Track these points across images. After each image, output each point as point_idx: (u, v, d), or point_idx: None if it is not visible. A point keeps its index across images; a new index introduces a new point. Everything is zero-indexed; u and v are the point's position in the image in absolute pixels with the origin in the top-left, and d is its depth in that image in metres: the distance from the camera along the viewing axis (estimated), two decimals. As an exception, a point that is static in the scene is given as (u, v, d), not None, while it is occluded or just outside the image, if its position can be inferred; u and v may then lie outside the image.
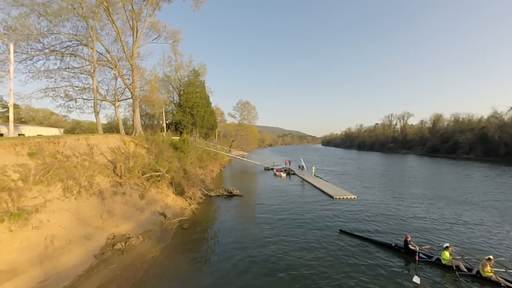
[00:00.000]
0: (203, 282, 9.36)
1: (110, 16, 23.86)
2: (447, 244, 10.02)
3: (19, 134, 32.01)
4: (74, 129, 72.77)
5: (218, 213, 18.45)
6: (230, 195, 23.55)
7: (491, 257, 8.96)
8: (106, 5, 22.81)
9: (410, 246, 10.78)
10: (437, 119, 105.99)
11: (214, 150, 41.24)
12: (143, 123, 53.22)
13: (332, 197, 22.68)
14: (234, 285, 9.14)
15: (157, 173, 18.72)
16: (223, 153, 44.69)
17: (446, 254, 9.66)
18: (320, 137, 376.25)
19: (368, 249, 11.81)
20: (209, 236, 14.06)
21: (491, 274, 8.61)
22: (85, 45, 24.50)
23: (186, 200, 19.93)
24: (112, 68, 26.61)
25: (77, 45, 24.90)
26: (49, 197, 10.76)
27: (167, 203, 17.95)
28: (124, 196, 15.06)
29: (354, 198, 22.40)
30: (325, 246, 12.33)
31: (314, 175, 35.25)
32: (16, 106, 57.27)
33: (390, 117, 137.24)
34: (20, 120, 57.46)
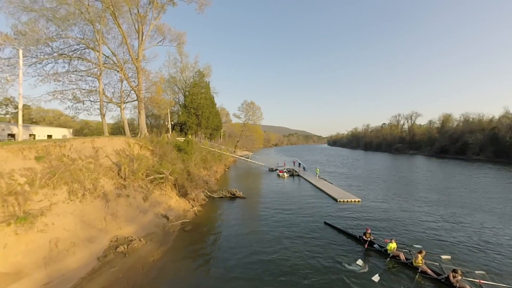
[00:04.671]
0: (202, 286, 9.48)
1: (116, 20, 24.25)
2: (393, 239, 12.17)
3: (30, 135, 32.99)
4: (82, 129, 74.44)
5: (220, 216, 18.58)
6: (233, 197, 23.67)
7: (422, 250, 10.86)
8: (112, 9, 23.19)
9: (364, 237, 13.12)
10: (446, 119, 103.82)
11: (219, 151, 41.44)
12: (149, 123, 54.13)
13: (336, 200, 22.52)
14: (232, 290, 9.24)
15: (160, 175, 18.96)
16: (227, 153, 44.85)
17: (391, 246, 11.77)
18: (326, 137, 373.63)
19: (342, 238, 14.35)
20: (210, 239, 14.19)
21: (420, 264, 10.38)
22: (92, 48, 25.01)
23: (189, 202, 20.13)
24: (118, 71, 27.06)
25: (84, 49, 25.46)
26: (54, 200, 11.07)
27: (170, 205, 18.18)
28: (127, 199, 15.32)
29: (359, 201, 22.19)
30: (327, 250, 12.38)
31: (319, 176, 35.04)
32: (27, 107, 59.04)
33: (398, 117, 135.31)
34: (31, 121, 59.16)
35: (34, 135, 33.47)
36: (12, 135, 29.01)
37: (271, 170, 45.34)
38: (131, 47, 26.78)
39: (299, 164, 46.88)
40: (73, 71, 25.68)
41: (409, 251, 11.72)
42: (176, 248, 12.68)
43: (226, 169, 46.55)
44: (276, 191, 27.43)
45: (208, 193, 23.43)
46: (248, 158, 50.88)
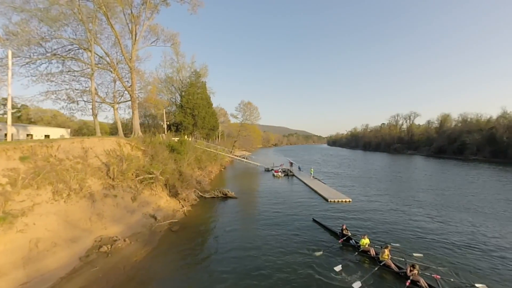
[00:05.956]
0: (182, 285, 9.54)
1: (109, 20, 24.29)
2: (365, 235, 12.88)
3: (27, 135, 33.08)
4: (81, 129, 74.31)
5: (209, 216, 18.63)
6: (225, 197, 23.71)
7: (388, 245, 11.53)
8: (104, 9, 23.22)
9: (344, 232, 13.88)
10: (444, 119, 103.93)
11: (214, 151, 41.48)
12: (147, 123, 54.13)
13: (326, 199, 22.58)
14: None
15: (150, 176, 19.00)
16: (223, 153, 44.90)
17: (363, 241, 12.49)
18: (326, 137, 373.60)
19: (324, 234, 15.08)
20: (196, 238, 14.21)
21: (386, 258, 11.00)
22: (85, 48, 25.01)
23: (179, 202, 20.17)
24: (111, 71, 27.11)
25: (77, 49, 25.48)
26: (37, 201, 11.10)
27: (159, 205, 18.22)
28: (115, 199, 15.37)
29: (349, 201, 22.24)
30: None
31: (313, 176, 35.10)
32: (25, 107, 59.01)
33: (396, 117, 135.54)
34: (29, 121, 59.10)
35: (32, 135, 33.50)
36: (8, 135, 29.08)
37: (267, 170, 45.47)
38: (125, 47, 26.83)
39: (291, 163, 48.68)
40: (67, 71, 25.75)
41: (381, 247, 12.29)
42: (160, 248, 12.72)
43: (222, 169, 46.58)
44: (269, 191, 27.50)
45: (200, 193, 23.47)
46: (245, 158, 50.90)
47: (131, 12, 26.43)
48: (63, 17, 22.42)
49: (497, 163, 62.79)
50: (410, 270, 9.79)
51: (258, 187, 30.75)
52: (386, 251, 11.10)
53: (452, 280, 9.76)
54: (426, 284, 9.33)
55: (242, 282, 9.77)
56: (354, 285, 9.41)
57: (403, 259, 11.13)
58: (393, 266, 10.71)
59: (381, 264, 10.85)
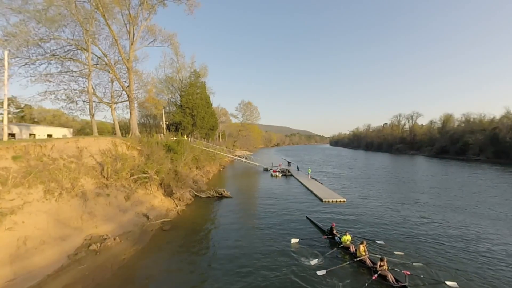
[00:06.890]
0: (168, 284, 9.65)
1: (107, 21, 24.53)
2: (347, 232, 13.08)
3: (30, 134, 33.70)
4: (83, 128, 74.99)
5: (202, 215, 18.75)
6: (220, 197, 23.83)
7: (363, 241, 11.70)
8: (102, 10, 23.46)
9: (331, 229, 14.06)
10: (447, 119, 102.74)
11: (212, 151, 41.65)
12: (147, 123, 54.55)
13: (321, 199, 22.60)
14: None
15: (145, 175, 19.17)
16: (221, 153, 45.05)
17: (344, 238, 12.76)
18: (328, 137, 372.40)
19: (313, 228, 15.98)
20: (186, 238, 14.30)
21: (364, 254, 11.21)
22: (82, 49, 25.28)
23: (174, 201, 20.32)
24: (109, 71, 27.37)
25: (76, 49, 25.77)
26: (29, 199, 11.29)
27: (153, 205, 18.37)
28: (108, 198, 15.54)
29: (344, 201, 22.22)
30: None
31: (310, 176, 35.08)
32: (28, 107, 59.79)
33: (399, 117, 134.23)
34: (32, 120, 59.92)
35: (34, 134, 34.11)
36: (12, 135, 29.76)
37: (266, 170, 45.57)
38: (122, 48, 27.07)
39: (288, 163, 51.35)
40: (66, 72, 26.07)
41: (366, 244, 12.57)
42: (150, 247, 12.86)
43: (221, 169, 46.73)
44: (265, 191, 27.58)
45: (195, 193, 23.61)
46: (244, 158, 51.01)
47: (129, 12, 26.67)
48: (61, 18, 22.69)
49: (500, 163, 62.02)
50: (380, 265, 10.05)
51: (255, 186, 30.83)
52: (362, 247, 11.40)
53: (422, 276, 9.89)
54: (393, 279, 9.54)
55: (228, 278, 9.89)
56: (318, 272, 10.12)
57: (380, 256, 11.28)
58: (368, 261, 10.99)
59: (357, 259, 11.18)
